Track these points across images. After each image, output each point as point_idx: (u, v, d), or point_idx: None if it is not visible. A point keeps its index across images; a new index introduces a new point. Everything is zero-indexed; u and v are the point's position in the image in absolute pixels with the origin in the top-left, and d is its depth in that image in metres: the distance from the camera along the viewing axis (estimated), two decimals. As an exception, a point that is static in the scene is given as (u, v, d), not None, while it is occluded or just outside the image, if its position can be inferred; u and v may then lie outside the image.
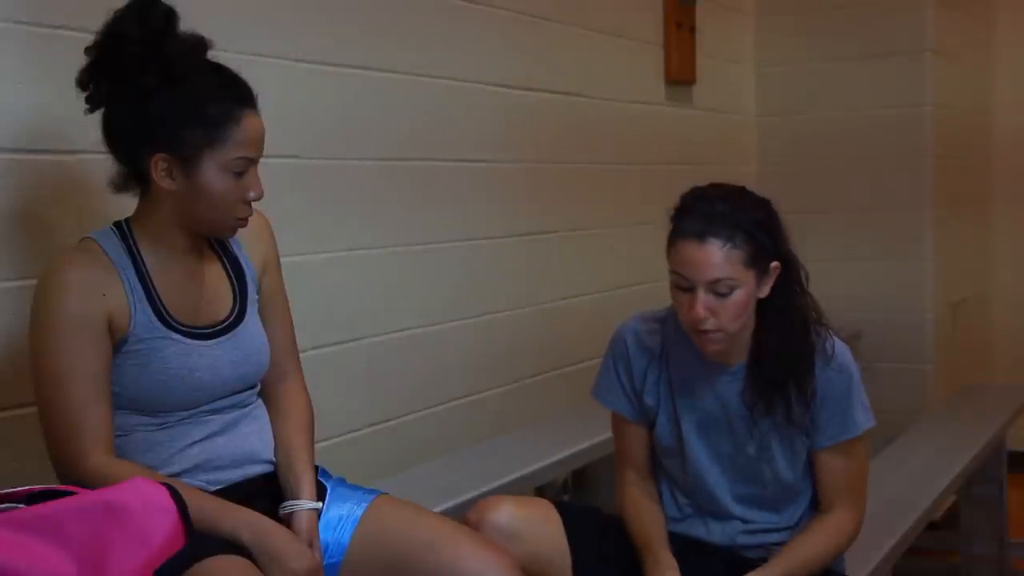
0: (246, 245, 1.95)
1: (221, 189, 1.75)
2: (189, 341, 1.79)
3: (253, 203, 1.82)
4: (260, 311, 1.94)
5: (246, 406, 1.89)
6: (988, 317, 5.29)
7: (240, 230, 1.88)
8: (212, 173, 1.74)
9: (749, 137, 4.78)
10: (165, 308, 1.79)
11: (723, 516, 2.12)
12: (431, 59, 2.97)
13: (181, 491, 1.50)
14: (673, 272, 1.97)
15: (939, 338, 4.60)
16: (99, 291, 1.74)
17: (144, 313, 1.77)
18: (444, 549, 1.82)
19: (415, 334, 2.94)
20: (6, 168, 1.95)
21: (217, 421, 1.83)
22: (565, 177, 3.57)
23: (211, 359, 1.81)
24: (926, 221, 4.52)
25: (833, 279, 4.69)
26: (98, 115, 1.80)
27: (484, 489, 2.54)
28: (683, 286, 1.96)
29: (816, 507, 2.13)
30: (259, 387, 1.96)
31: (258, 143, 1.79)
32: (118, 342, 1.76)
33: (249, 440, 1.88)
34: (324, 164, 2.66)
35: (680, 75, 4.15)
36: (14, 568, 1.32)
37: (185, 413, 1.80)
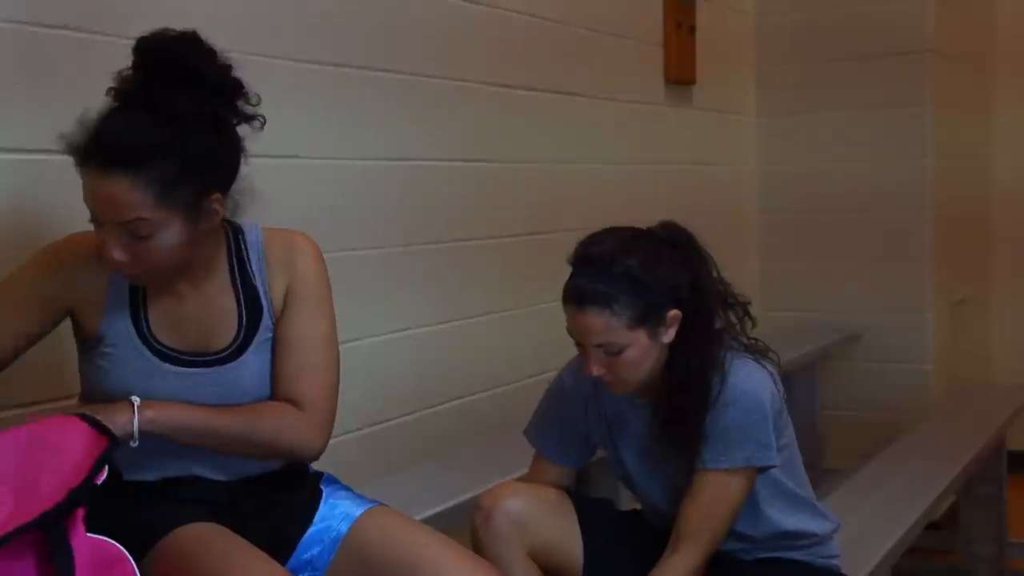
0: (271, 275, 1.85)
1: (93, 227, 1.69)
2: (158, 362, 1.75)
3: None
4: (277, 341, 1.83)
5: None
6: (988, 317, 5.29)
7: (268, 258, 1.83)
8: None
9: (749, 137, 4.78)
10: (147, 322, 1.76)
11: None
12: (431, 59, 2.97)
13: None
14: (567, 328, 1.98)
15: (939, 338, 4.60)
16: (72, 277, 1.74)
17: (121, 320, 1.75)
18: (429, 570, 1.74)
19: (415, 334, 2.94)
20: (6, 168, 1.95)
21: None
22: (565, 177, 3.57)
23: (177, 386, 1.74)
24: (926, 221, 4.52)
25: (833, 279, 4.72)
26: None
27: (483, 489, 2.53)
28: (577, 343, 1.98)
29: (795, 515, 2.10)
30: None
31: (97, 204, 1.64)
32: (90, 339, 1.76)
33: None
34: (323, 164, 2.66)
35: (680, 75, 4.15)
36: None
37: None
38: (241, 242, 1.86)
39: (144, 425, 1.67)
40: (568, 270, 1.99)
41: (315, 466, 1.99)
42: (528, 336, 3.38)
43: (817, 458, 4.50)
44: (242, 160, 1.76)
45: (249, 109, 1.74)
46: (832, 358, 4.66)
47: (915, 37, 4.51)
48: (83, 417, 1.53)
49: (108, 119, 1.65)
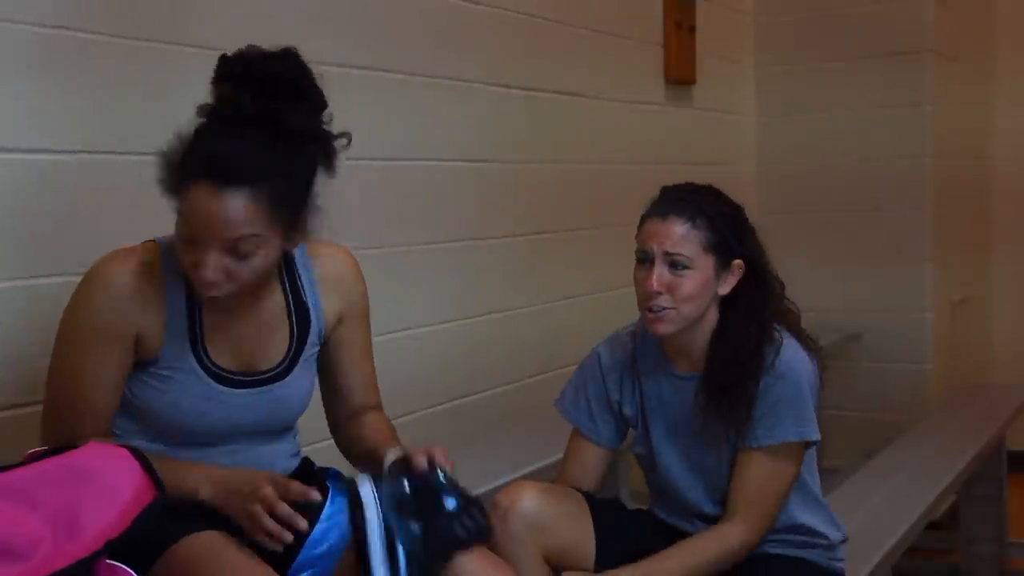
0: (323, 294, 1.88)
1: (177, 245, 1.66)
2: (214, 384, 1.75)
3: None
4: (336, 355, 1.91)
5: (264, 439, 1.84)
6: (988, 317, 5.30)
7: (320, 278, 1.85)
8: (178, 226, 1.66)
9: (749, 137, 4.78)
10: (203, 343, 1.75)
11: (704, 520, 2.10)
12: (431, 59, 2.97)
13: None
14: (637, 251, 2.03)
15: (939, 338, 4.60)
16: (137, 307, 1.70)
17: (179, 343, 1.73)
18: None
19: (415, 334, 2.94)
20: (7, 168, 1.95)
21: (221, 451, 1.78)
22: (565, 177, 3.57)
23: (230, 408, 1.76)
24: (926, 221, 4.52)
25: (833, 279, 4.71)
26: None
27: (484, 489, 2.54)
28: (643, 259, 2.02)
29: (809, 512, 2.11)
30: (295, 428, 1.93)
31: (203, 222, 1.60)
32: (146, 361, 1.73)
33: (261, 463, 1.82)
34: (324, 164, 2.66)
35: (680, 75, 4.15)
36: None
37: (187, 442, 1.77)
38: (291, 260, 1.86)
39: None
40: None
41: (319, 462, 2.00)
42: (529, 336, 3.38)
43: (817, 458, 4.50)
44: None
45: (336, 127, 1.76)
46: (832, 358, 4.65)
47: (914, 36, 4.50)
48: (134, 454, 1.49)
49: (224, 136, 1.64)
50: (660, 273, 1.98)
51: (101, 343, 1.69)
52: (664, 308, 1.99)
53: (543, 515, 2.03)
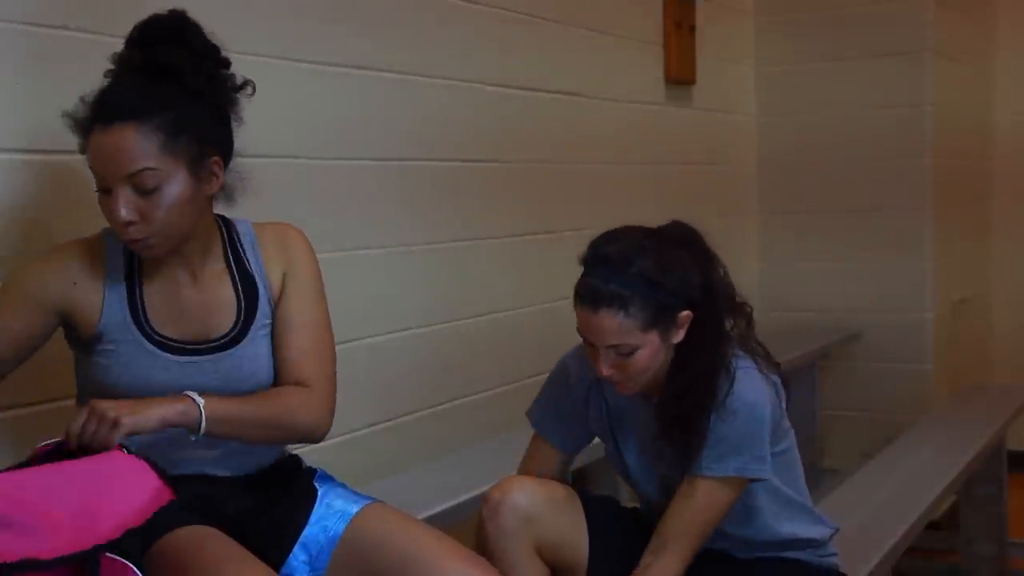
0: (267, 261, 1.89)
1: (100, 205, 1.73)
2: (158, 352, 1.76)
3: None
4: (276, 321, 1.87)
5: None
6: (988, 317, 5.30)
7: (263, 247, 1.88)
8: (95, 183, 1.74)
9: (749, 137, 4.78)
10: (145, 314, 1.77)
11: None
12: (431, 59, 2.97)
13: None
14: (578, 330, 1.98)
15: (939, 338, 4.60)
16: (70, 279, 1.77)
17: (120, 314, 1.76)
18: (426, 565, 1.78)
19: (415, 334, 2.94)
20: (6, 168, 1.95)
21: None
22: (565, 177, 3.57)
23: (179, 375, 1.76)
24: (926, 221, 4.52)
25: (833, 279, 4.72)
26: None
27: (483, 489, 2.53)
28: (586, 342, 1.97)
29: (791, 521, 2.10)
30: None
31: (103, 161, 1.69)
32: (89, 338, 1.77)
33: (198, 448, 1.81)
34: (324, 164, 2.66)
35: (680, 75, 4.15)
36: (19, 520, 1.35)
37: None
38: (234, 233, 1.91)
39: (207, 423, 1.69)
40: (579, 270, 1.99)
41: (307, 461, 2.00)
42: (528, 336, 3.38)
43: (817, 458, 4.50)
44: (235, 132, 1.83)
45: (238, 79, 1.82)
46: (832, 358, 4.66)
47: (914, 36, 4.50)
48: (153, 466, 1.51)
49: (108, 85, 1.75)
50: (607, 360, 1.94)
51: (16, 302, 1.75)
52: (619, 382, 1.97)
53: (535, 508, 2.03)
